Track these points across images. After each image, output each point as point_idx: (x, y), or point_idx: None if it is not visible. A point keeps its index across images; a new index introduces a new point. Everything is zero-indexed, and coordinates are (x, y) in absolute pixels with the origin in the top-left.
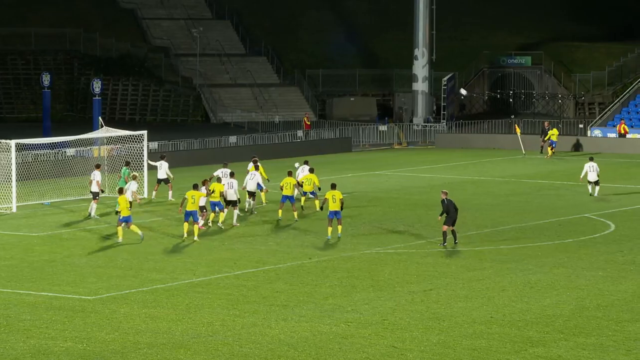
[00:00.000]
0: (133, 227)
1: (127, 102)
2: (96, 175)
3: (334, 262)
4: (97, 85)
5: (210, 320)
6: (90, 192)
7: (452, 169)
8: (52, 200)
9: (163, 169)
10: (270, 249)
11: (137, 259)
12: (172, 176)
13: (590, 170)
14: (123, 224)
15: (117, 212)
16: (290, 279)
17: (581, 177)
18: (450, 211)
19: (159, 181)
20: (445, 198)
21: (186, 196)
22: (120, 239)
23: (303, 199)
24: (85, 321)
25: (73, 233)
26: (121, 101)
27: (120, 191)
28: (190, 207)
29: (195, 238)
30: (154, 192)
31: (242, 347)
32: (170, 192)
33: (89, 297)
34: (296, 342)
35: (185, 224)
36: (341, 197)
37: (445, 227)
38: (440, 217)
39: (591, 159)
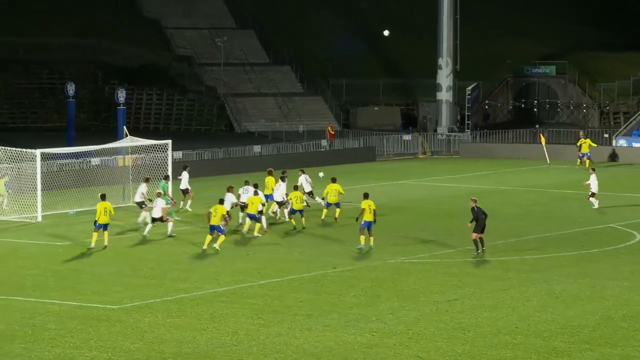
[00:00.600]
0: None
1: (152, 111)
2: (142, 187)
3: (358, 271)
4: (121, 95)
5: (234, 329)
6: (135, 202)
7: (476, 178)
8: (77, 210)
9: (185, 180)
10: (294, 259)
11: (162, 268)
12: (189, 188)
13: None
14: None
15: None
16: (315, 288)
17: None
18: (480, 219)
19: (183, 192)
20: (475, 206)
21: (210, 210)
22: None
23: (325, 211)
24: (110, 330)
25: (98, 242)
26: (145, 110)
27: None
28: (213, 221)
29: (217, 247)
30: (181, 202)
31: (267, 357)
32: (189, 202)
33: (113, 307)
34: (320, 351)
35: (208, 237)
36: (375, 207)
37: (474, 235)
38: (470, 225)
39: (593, 170)
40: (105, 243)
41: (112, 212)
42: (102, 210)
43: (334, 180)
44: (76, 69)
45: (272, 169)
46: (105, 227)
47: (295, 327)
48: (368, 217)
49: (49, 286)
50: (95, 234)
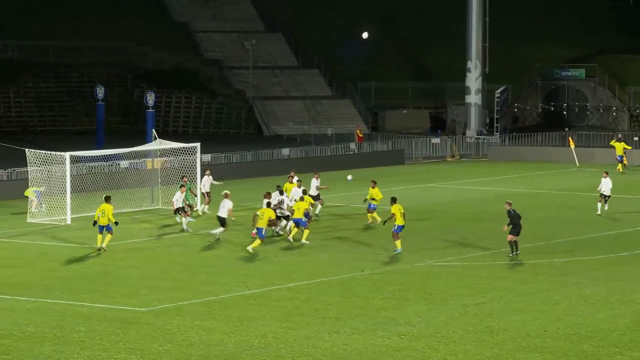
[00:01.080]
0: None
1: (180, 114)
2: (178, 195)
3: (387, 274)
4: (150, 98)
5: (263, 332)
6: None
7: (505, 181)
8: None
9: (207, 183)
10: (322, 262)
11: (190, 271)
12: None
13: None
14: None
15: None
16: (343, 291)
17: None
18: (516, 222)
19: (207, 194)
20: (511, 209)
21: (257, 212)
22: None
23: (370, 215)
24: (138, 333)
25: (126, 245)
26: (174, 113)
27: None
28: (260, 224)
29: (250, 249)
30: (201, 206)
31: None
32: (205, 206)
33: (142, 309)
34: (349, 355)
35: (257, 240)
36: (403, 211)
37: (510, 237)
38: (506, 227)
39: (607, 173)
40: (103, 245)
41: (110, 217)
42: (100, 212)
43: (375, 184)
44: (106, 72)
45: (292, 175)
46: (103, 229)
47: (324, 330)
48: (400, 221)
49: (78, 289)
50: (99, 236)
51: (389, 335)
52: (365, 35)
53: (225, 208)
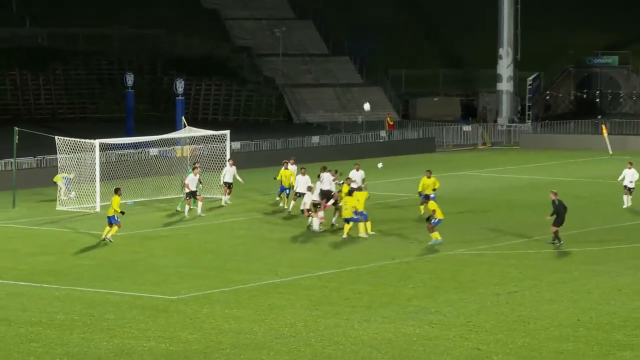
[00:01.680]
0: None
1: (210, 102)
2: (191, 177)
3: (417, 263)
4: (180, 85)
5: (292, 321)
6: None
7: (537, 169)
8: (136, 200)
9: (230, 174)
10: (352, 250)
11: (220, 259)
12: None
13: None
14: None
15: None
16: (373, 280)
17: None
18: (560, 212)
19: (226, 184)
20: (556, 199)
21: (340, 203)
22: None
23: (422, 208)
24: (168, 321)
25: (156, 232)
26: (204, 101)
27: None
28: (345, 215)
29: (365, 234)
30: (224, 196)
31: (325, 349)
32: (227, 197)
33: (171, 297)
34: (379, 343)
35: (346, 225)
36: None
37: (554, 228)
38: (549, 217)
39: (631, 164)
40: (106, 236)
41: (116, 208)
42: (111, 204)
43: (430, 173)
44: (135, 59)
45: (287, 162)
46: (110, 220)
47: (354, 319)
48: (440, 215)
49: (107, 276)
50: (106, 227)
51: (419, 324)
52: (367, 107)
53: (315, 194)
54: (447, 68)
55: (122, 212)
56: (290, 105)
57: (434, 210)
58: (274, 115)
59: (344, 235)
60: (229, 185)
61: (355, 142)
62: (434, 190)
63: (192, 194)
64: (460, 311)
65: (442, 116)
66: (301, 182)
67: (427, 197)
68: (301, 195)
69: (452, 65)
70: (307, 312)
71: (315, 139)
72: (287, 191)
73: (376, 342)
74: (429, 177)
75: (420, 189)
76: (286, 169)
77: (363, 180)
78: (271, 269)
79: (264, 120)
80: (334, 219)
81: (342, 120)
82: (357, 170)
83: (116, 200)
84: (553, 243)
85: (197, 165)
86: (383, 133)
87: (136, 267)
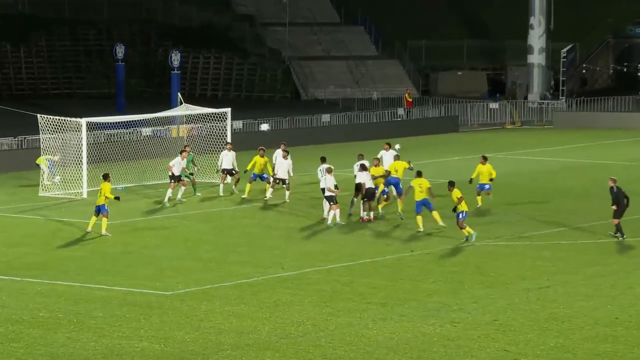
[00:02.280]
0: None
1: (209, 76)
2: (177, 160)
3: (438, 255)
4: (175, 58)
5: (300, 319)
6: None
7: (571, 151)
8: (127, 185)
9: (228, 159)
10: (366, 241)
11: (220, 251)
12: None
13: None
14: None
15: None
16: (390, 274)
17: None
18: (620, 201)
19: (224, 172)
20: (615, 185)
21: (412, 184)
22: None
23: (480, 199)
24: (162, 319)
25: (149, 222)
26: (202, 75)
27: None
28: (418, 197)
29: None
30: (221, 185)
31: (336, 350)
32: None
33: (166, 293)
34: (396, 344)
35: (419, 217)
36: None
37: (615, 220)
38: (615, 207)
39: None
40: (103, 231)
41: (108, 195)
42: (98, 192)
43: (485, 159)
44: (126, 29)
45: (263, 148)
46: (99, 210)
47: (368, 317)
48: (465, 206)
49: (95, 270)
50: (93, 218)
51: (441, 323)
52: (265, 127)
53: (331, 184)
54: (472, 38)
55: (117, 198)
56: (298, 80)
57: (459, 199)
58: (279, 91)
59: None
60: (229, 173)
61: (370, 121)
62: (491, 180)
63: (176, 178)
64: (486, 308)
65: (466, 92)
66: (283, 167)
67: (482, 187)
68: (282, 181)
69: (477, 35)
70: (316, 309)
71: (326, 118)
72: (264, 178)
73: (392, 342)
74: (483, 164)
75: (474, 176)
76: (262, 156)
77: (394, 156)
78: (277, 261)
79: (269, 97)
80: (365, 213)
81: (356, 97)
82: (387, 150)
83: (107, 187)
84: (615, 236)
85: (186, 147)
86: (401, 111)
87: (127, 259)
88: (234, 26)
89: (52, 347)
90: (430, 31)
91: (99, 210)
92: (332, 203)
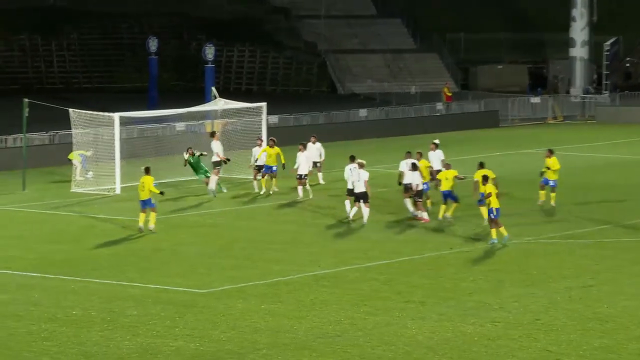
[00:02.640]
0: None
1: (244, 70)
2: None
3: (479, 253)
4: (209, 52)
5: (337, 318)
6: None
7: (615, 147)
8: (160, 181)
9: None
10: (405, 238)
11: (255, 248)
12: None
13: None
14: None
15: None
16: (429, 272)
17: None
18: None
19: (257, 168)
20: None
21: (475, 178)
22: None
23: (542, 194)
24: (197, 317)
25: (183, 218)
26: (237, 69)
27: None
28: (482, 189)
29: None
30: (255, 182)
31: (374, 349)
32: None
33: (201, 291)
34: (436, 344)
35: (483, 208)
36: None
37: None
38: None
39: None
40: (151, 226)
41: (152, 189)
42: (140, 186)
43: (551, 152)
44: (159, 22)
45: (274, 139)
46: (145, 204)
47: (407, 316)
48: (497, 203)
49: (128, 267)
50: (141, 214)
51: (481, 322)
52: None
53: (362, 181)
54: (513, 31)
55: (162, 193)
56: (334, 73)
57: (489, 194)
58: (315, 85)
59: (448, 215)
60: (269, 169)
61: (408, 116)
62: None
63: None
64: (527, 308)
65: (506, 86)
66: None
67: (546, 182)
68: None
69: (518, 28)
70: (354, 308)
71: (363, 112)
72: (273, 170)
73: (432, 342)
74: (549, 157)
75: (544, 170)
76: (271, 147)
77: (442, 161)
78: (314, 259)
79: (304, 91)
80: (419, 213)
81: (393, 91)
82: (434, 150)
83: (149, 181)
84: None
85: (189, 149)
86: (440, 105)
87: (161, 256)
88: (268, 18)
89: (86, 345)
90: (470, 23)
91: (144, 205)
92: (364, 201)
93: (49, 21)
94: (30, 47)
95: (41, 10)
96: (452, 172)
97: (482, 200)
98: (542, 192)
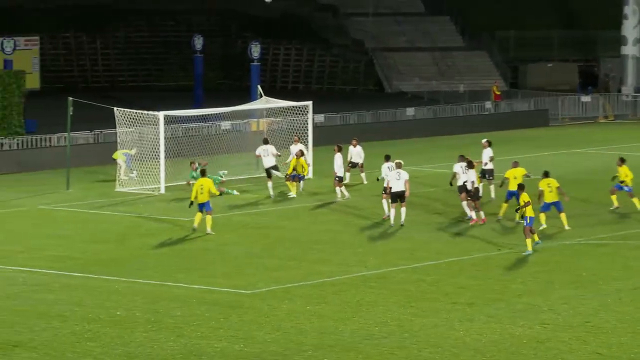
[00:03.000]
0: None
1: (290, 68)
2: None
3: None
4: (255, 50)
5: (384, 319)
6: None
7: None
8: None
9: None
10: (451, 239)
11: (301, 248)
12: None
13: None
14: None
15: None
16: (477, 273)
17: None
18: None
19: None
20: None
21: (541, 188)
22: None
23: (614, 198)
24: (242, 318)
25: (227, 218)
26: (283, 67)
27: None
28: (548, 199)
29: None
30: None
31: (421, 351)
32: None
33: (246, 291)
34: (484, 346)
35: (542, 215)
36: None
37: None
38: None
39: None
40: (208, 229)
41: (213, 191)
42: (198, 189)
43: (622, 161)
44: (204, 20)
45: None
46: (202, 207)
47: (454, 318)
48: (531, 212)
49: (173, 267)
50: (199, 216)
51: (530, 325)
52: None
53: (402, 180)
54: (563, 29)
55: (221, 193)
56: (381, 71)
57: (526, 203)
58: (362, 83)
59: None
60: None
61: (456, 115)
62: (621, 181)
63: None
64: (577, 310)
65: (556, 85)
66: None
67: (620, 187)
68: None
69: (568, 25)
70: (400, 309)
71: (410, 111)
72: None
73: (480, 344)
74: (620, 166)
75: (616, 175)
76: (299, 157)
77: (491, 159)
78: (360, 259)
79: (351, 90)
80: (474, 213)
81: (441, 90)
82: (486, 147)
83: (209, 183)
84: None
85: (192, 164)
86: (488, 104)
87: (206, 256)
88: (315, 16)
89: (130, 346)
90: (519, 21)
91: (202, 208)
92: (401, 201)
93: (93, 19)
94: (76, 45)
95: (86, 7)
96: (521, 171)
97: (547, 207)
98: (613, 197)
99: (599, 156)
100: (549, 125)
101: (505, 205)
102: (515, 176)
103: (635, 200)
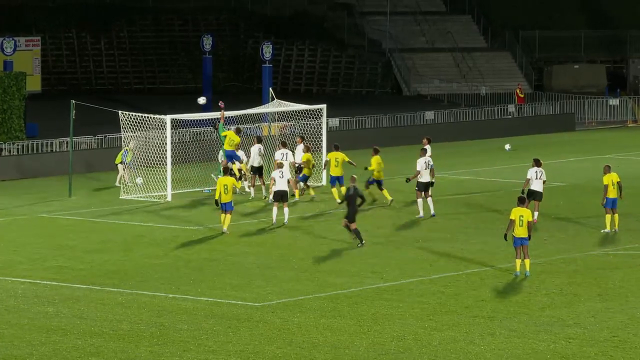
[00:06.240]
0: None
1: (303, 70)
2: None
3: (552, 265)
4: (267, 50)
5: (401, 333)
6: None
7: None
8: (214, 188)
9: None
10: (473, 248)
11: (314, 259)
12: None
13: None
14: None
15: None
16: (498, 285)
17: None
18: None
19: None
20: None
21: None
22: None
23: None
24: (252, 332)
25: (237, 227)
26: (295, 69)
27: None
28: (610, 195)
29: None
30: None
31: None
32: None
33: (256, 304)
34: None
35: (608, 216)
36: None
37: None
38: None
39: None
40: (224, 229)
41: (237, 184)
42: (222, 188)
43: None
44: (214, 19)
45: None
46: (226, 207)
47: (475, 332)
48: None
49: (180, 279)
50: (223, 216)
51: (554, 339)
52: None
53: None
54: (591, 28)
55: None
56: (400, 73)
57: (605, 186)
58: (379, 85)
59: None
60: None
61: (477, 119)
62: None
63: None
64: (604, 323)
65: (583, 87)
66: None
67: None
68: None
69: (596, 25)
70: (418, 323)
71: (430, 115)
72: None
73: (502, 359)
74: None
75: None
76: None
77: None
78: (375, 270)
79: (367, 92)
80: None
81: (462, 92)
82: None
83: (232, 182)
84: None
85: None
86: (512, 108)
87: (214, 267)
88: (330, 15)
89: None
90: (544, 20)
91: (225, 208)
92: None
93: (97, 18)
94: (79, 46)
95: (89, 6)
96: (616, 176)
97: (610, 204)
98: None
99: (628, 162)
100: (575, 129)
101: (608, 216)
102: (613, 182)
103: None
